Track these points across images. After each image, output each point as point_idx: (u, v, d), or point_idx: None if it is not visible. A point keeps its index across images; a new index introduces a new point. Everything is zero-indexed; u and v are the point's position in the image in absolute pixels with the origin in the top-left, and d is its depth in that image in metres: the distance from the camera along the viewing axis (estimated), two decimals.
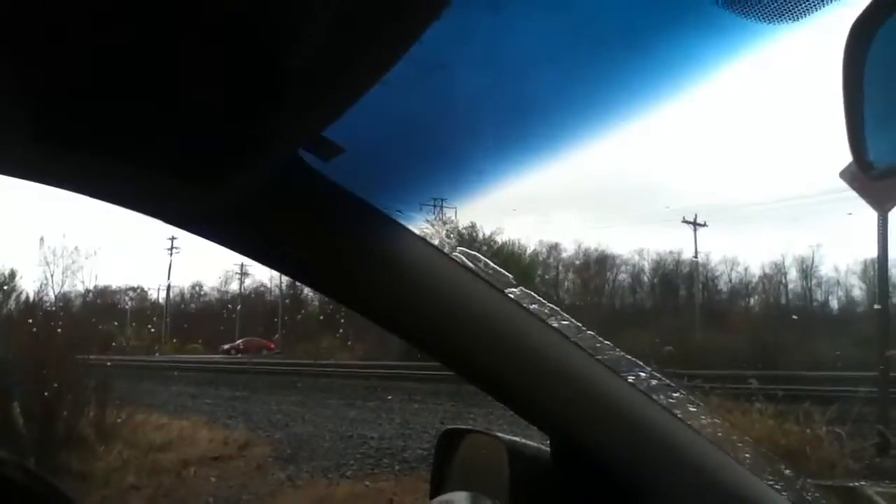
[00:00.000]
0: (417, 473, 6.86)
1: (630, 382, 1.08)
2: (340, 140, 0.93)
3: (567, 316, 1.10)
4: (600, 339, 1.10)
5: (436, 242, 1.06)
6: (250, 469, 7.99)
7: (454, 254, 1.05)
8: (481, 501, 0.70)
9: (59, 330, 9.29)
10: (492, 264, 1.07)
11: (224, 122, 0.88)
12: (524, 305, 1.08)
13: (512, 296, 1.08)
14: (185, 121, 0.88)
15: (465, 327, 1.05)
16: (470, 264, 1.07)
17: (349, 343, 15.21)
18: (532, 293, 1.09)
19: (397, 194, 1.02)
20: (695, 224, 18.20)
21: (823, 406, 6.57)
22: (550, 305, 1.10)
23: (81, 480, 6.97)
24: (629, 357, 1.10)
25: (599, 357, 1.08)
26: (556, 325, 1.09)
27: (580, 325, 1.09)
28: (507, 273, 1.09)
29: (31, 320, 9.56)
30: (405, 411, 10.48)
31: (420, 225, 1.05)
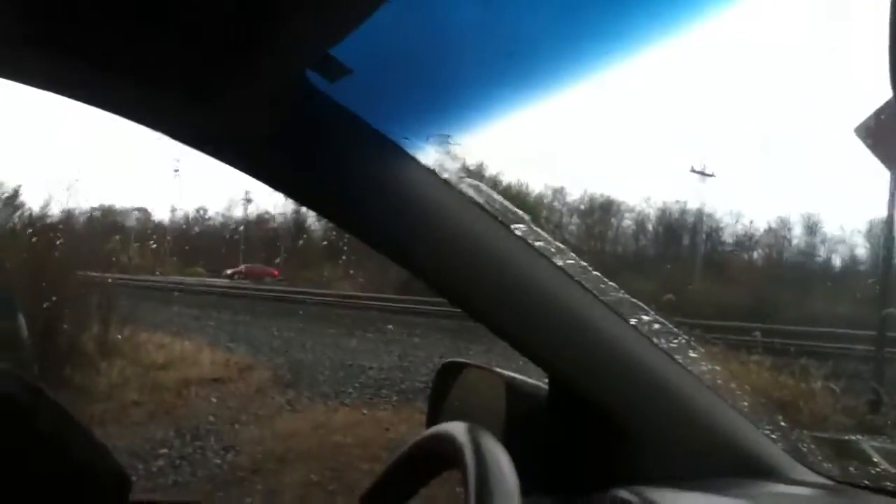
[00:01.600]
0: (414, 405, 6.97)
1: (632, 325, 1.07)
2: (348, 62, 0.90)
3: (573, 255, 1.08)
4: (605, 279, 1.09)
5: (469, 193, 1.04)
6: (250, 392, 8.11)
7: (460, 185, 1.02)
8: (478, 432, 0.70)
9: (63, 246, 9.32)
10: (498, 197, 1.05)
11: (231, 37, 0.85)
12: (529, 242, 1.06)
13: (518, 232, 1.06)
14: (192, 36, 0.85)
15: (467, 260, 1.04)
16: (477, 197, 1.04)
17: (351, 273, 15.28)
18: (538, 230, 1.07)
19: (404, 122, 0.99)
20: (703, 174, 18.04)
21: (820, 362, 6.62)
22: (556, 244, 1.08)
23: (83, 394, 7.09)
24: (633, 300, 1.09)
25: (603, 298, 1.07)
26: (560, 263, 1.07)
27: (586, 264, 1.08)
28: (514, 208, 1.07)
29: (35, 236, 9.59)
30: (405, 344, 10.59)
31: (429, 156, 1.03)
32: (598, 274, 1.08)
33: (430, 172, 1.02)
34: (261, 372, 8.91)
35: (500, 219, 1.05)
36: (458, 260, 1.04)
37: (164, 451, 5.98)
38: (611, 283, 1.09)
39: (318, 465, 5.51)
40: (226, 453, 6.02)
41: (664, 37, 0.83)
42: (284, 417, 7.07)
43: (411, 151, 1.01)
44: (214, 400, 7.66)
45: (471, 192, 1.04)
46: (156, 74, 0.87)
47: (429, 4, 0.82)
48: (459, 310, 1.11)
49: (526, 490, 1.14)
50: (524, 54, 0.90)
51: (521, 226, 1.07)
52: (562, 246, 1.08)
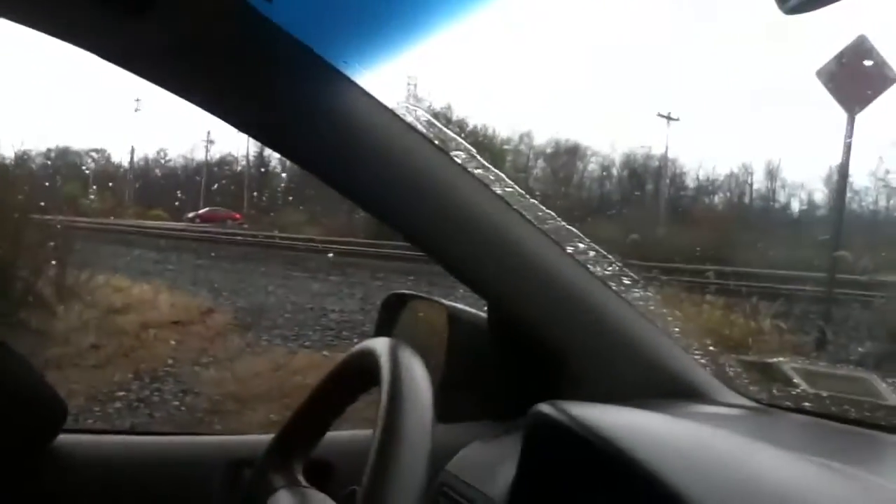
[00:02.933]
0: None
1: (568, 252, 1.09)
2: None
3: (511, 182, 1.09)
4: (542, 207, 1.10)
5: (408, 120, 1.03)
6: (211, 335, 8.07)
7: (399, 109, 1.02)
8: (398, 345, 0.70)
9: (17, 188, 9.09)
10: (437, 123, 1.04)
11: None
12: (469, 169, 1.06)
13: (458, 159, 1.06)
14: None
15: (407, 186, 1.04)
16: (417, 124, 1.04)
17: (316, 217, 15.17)
18: (478, 157, 1.07)
19: (345, 43, 0.97)
20: (668, 118, 18.10)
21: (772, 302, 6.80)
22: (495, 171, 1.09)
23: (40, 338, 7.00)
24: (569, 227, 1.11)
25: (540, 226, 1.08)
26: (499, 191, 1.08)
27: (523, 192, 1.09)
28: (454, 135, 1.07)
29: None
30: (367, 287, 10.59)
31: (368, 79, 1.01)
32: (535, 202, 1.09)
33: (370, 97, 1.01)
34: (222, 315, 8.85)
35: (440, 146, 1.05)
36: (397, 186, 1.04)
37: (122, 393, 5.96)
38: (548, 212, 1.10)
39: (278, 406, 5.54)
40: (184, 395, 6.02)
41: None
42: (245, 360, 7.07)
43: (351, 76, 1.00)
44: (174, 343, 7.61)
45: (411, 119, 1.03)
46: None
47: None
48: (404, 240, 1.11)
49: (468, 416, 1.17)
50: None
51: (460, 153, 1.07)
52: (500, 174, 1.09)
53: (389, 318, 1.45)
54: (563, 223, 1.10)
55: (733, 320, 6.34)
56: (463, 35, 1.00)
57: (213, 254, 13.38)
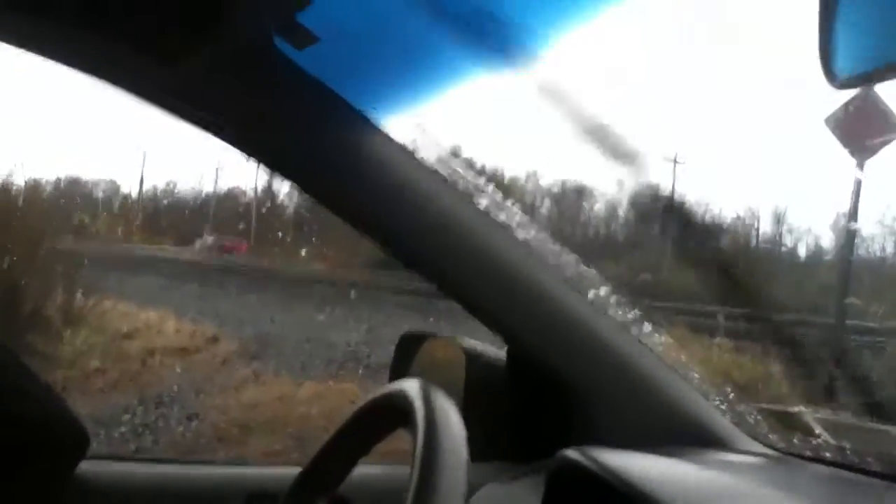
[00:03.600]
0: (380, 379, 6.95)
1: (590, 297, 1.10)
2: (316, 29, 0.91)
3: (534, 228, 1.10)
4: (565, 252, 1.11)
5: (432, 164, 1.05)
6: (216, 363, 8.06)
7: (423, 156, 1.04)
8: (429, 388, 0.71)
9: (29, 215, 9.16)
10: (461, 170, 1.06)
11: None
12: (491, 215, 1.08)
13: (480, 205, 1.08)
14: None
15: (430, 230, 1.05)
16: (441, 169, 1.06)
17: (323, 249, 15.19)
18: (500, 202, 1.09)
19: (373, 90, 1.00)
20: (674, 162, 18.19)
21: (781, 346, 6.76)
22: (518, 216, 1.11)
23: (46, 361, 7.01)
24: (591, 273, 1.12)
25: (562, 270, 1.10)
26: (521, 236, 1.09)
27: (546, 237, 1.10)
28: (477, 181, 1.09)
29: None
30: (374, 320, 10.57)
31: (400, 132, 1.04)
32: (558, 247, 1.10)
33: (396, 144, 1.04)
34: (227, 343, 8.83)
35: (463, 191, 1.07)
36: (421, 229, 1.06)
37: (127, 417, 5.95)
38: (570, 256, 1.11)
39: (281, 435, 5.52)
40: (189, 421, 6.00)
41: None
42: (249, 388, 7.05)
43: (379, 121, 1.03)
44: (179, 369, 7.60)
45: (433, 164, 1.06)
46: (122, 31, 0.87)
47: None
48: (425, 281, 1.13)
49: (484, 457, 1.17)
50: (501, 13, 0.91)
51: (483, 199, 1.09)
52: (522, 220, 1.10)
53: (405, 358, 1.45)
54: (586, 268, 1.11)
55: (742, 364, 6.31)
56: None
57: (220, 283, 13.39)
